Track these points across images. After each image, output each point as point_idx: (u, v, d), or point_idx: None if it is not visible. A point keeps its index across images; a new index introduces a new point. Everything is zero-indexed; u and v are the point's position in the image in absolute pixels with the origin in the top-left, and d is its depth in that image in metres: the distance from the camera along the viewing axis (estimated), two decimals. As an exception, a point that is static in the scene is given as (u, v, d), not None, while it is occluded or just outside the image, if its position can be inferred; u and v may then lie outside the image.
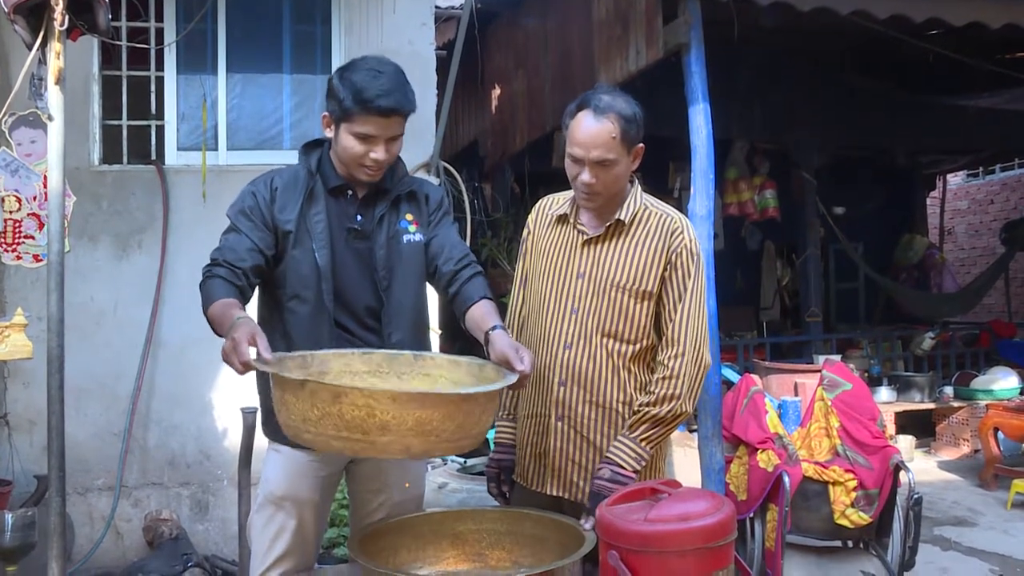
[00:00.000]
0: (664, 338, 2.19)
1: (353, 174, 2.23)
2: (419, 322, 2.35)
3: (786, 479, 3.41)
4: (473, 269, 2.32)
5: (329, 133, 2.23)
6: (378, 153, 2.16)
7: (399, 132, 2.20)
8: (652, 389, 2.15)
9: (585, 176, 2.16)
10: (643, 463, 2.12)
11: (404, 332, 2.28)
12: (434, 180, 5.00)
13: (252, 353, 1.84)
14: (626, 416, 2.21)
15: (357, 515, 2.38)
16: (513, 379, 1.90)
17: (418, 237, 2.32)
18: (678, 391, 2.13)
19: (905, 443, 6.79)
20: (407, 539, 2.09)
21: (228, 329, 1.94)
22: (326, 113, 2.21)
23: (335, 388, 1.64)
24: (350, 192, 2.28)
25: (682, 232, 2.22)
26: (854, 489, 3.50)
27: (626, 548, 1.53)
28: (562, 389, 2.24)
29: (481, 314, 2.18)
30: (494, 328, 2.10)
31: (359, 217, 2.27)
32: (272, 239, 2.22)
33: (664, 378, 2.14)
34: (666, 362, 2.15)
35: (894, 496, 3.57)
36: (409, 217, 2.32)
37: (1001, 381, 7.08)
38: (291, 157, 4.77)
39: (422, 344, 2.36)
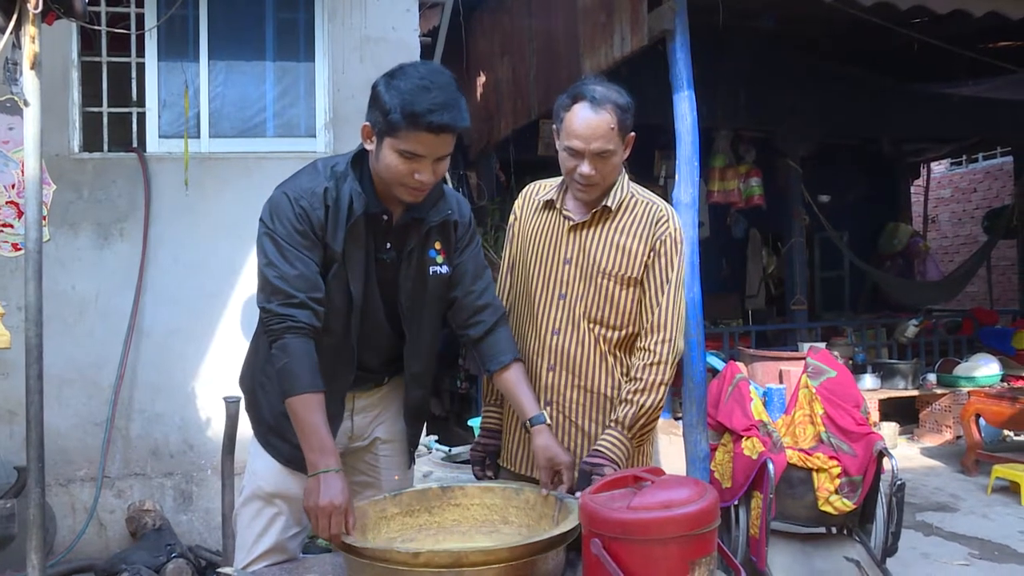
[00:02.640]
0: (648, 324, 2.19)
1: (394, 192, 2.01)
2: (434, 352, 2.26)
3: (770, 466, 3.42)
4: (496, 313, 2.21)
5: (369, 146, 2.00)
6: (424, 175, 1.94)
7: (449, 151, 1.97)
8: (638, 375, 2.15)
9: (584, 168, 2.14)
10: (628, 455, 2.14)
11: (422, 364, 2.21)
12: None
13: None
14: (614, 401, 2.21)
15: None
16: (574, 522, 1.76)
17: (444, 269, 2.16)
18: (664, 376, 2.14)
19: (889, 430, 6.84)
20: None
21: (321, 475, 1.83)
22: (367, 123, 1.99)
23: (454, 554, 1.61)
24: (385, 218, 2.07)
25: (667, 220, 2.22)
26: (838, 476, 3.51)
27: (608, 536, 1.52)
28: (551, 374, 2.24)
29: (519, 392, 2.14)
30: (534, 423, 2.09)
31: (388, 246, 2.09)
32: (322, 262, 2.01)
33: (651, 364, 2.14)
34: (652, 347, 2.16)
35: (877, 483, 3.59)
36: (437, 246, 2.15)
37: (983, 368, 7.14)
38: (274, 145, 4.81)
39: (432, 370, 2.28)
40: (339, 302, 2.03)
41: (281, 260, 1.95)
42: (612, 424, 2.14)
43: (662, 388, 2.14)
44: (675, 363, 2.19)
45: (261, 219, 2.03)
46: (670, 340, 2.16)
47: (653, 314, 2.18)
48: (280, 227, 1.97)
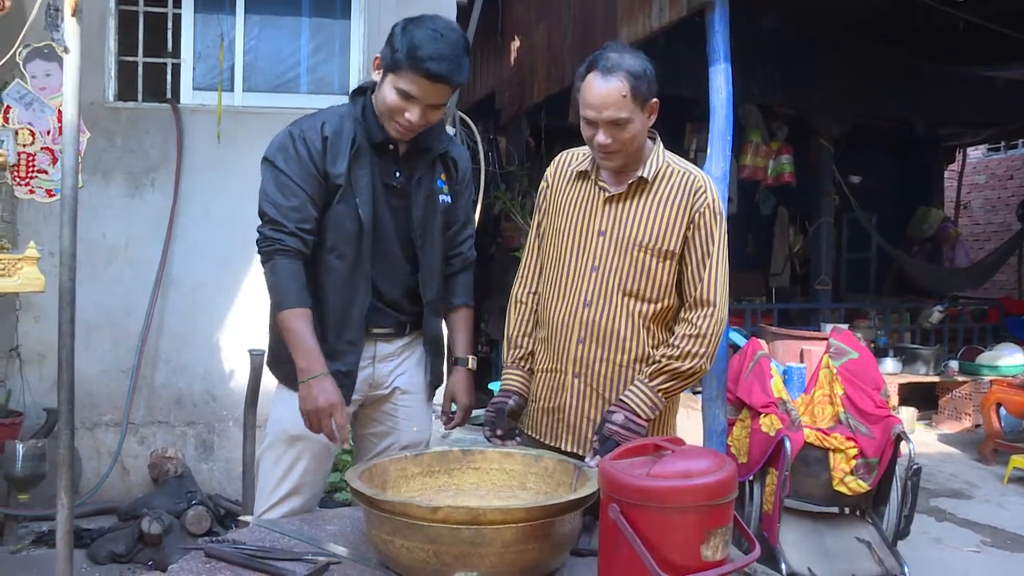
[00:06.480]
0: (692, 297, 2.16)
1: (384, 125, 2.18)
2: (441, 280, 2.40)
3: (787, 444, 3.43)
4: (464, 259, 2.44)
5: (376, 76, 2.17)
6: (412, 115, 2.10)
7: (443, 102, 2.13)
8: (676, 343, 2.12)
9: (600, 138, 2.13)
10: (656, 412, 2.12)
11: (434, 291, 2.35)
12: (450, 131, 4.96)
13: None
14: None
15: (362, 459, 2.40)
16: (594, 487, 1.74)
17: (449, 200, 2.34)
18: (703, 349, 2.12)
19: (907, 415, 6.82)
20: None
21: (312, 380, 2.05)
22: (378, 56, 2.15)
23: (472, 511, 1.62)
24: (391, 147, 2.23)
25: (705, 191, 2.18)
26: (854, 457, 3.52)
27: (627, 502, 1.54)
28: (581, 346, 2.22)
29: (456, 330, 2.44)
30: (458, 363, 2.39)
31: (398, 174, 2.24)
32: (324, 191, 2.16)
33: (691, 336, 2.12)
34: (695, 320, 2.13)
35: (893, 466, 3.59)
36: (444, 177, 2.33)
37: (1007, 357, 7.08)
38: (307, 101, 4.82)
39: (441, 299, 2.41)
40: (349, 225, 2.18)
41: (276, 192, 2.14)
42: (638, 379, 2.14)
43: (697, 360, 2.10)
44: (718, 338, 2.14)
45: (265, 155, 2.20)
46: (713, 315, 2.13)
47: (696, 289, 2.15)
48: (280, 160, 2.15)
